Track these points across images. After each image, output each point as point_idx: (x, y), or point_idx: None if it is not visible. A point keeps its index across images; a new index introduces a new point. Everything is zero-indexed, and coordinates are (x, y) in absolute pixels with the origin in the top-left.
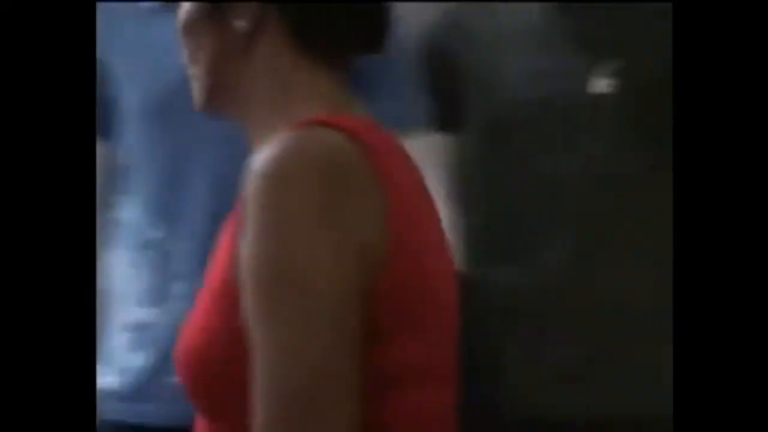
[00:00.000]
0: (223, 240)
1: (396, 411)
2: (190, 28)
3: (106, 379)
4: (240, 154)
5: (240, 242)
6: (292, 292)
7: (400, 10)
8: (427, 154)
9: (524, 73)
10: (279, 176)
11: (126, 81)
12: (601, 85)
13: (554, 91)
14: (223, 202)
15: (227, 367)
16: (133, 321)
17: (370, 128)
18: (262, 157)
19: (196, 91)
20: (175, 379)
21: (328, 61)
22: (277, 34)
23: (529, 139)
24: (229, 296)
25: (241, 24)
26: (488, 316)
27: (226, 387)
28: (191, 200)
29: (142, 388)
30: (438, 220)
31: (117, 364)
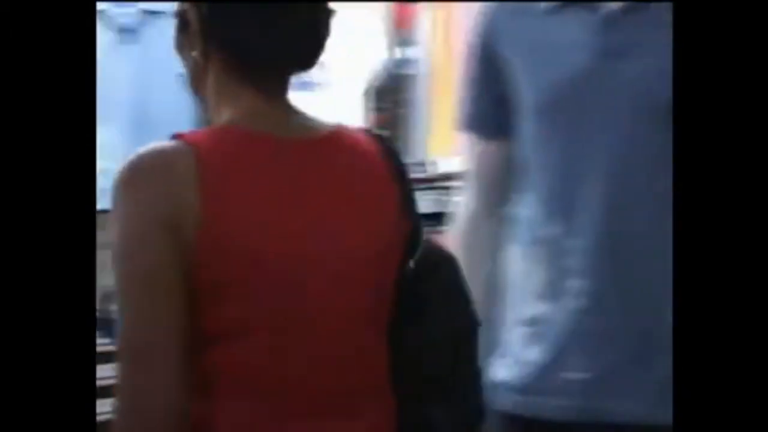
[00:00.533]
0: None
1: (220, 363)
2: (176, 48)
3: (502, 371)
4: (639, 149)
5: None
6: (117, 264)
7: None
8: None
9: None
10: (118, 177)
11: (524, 79)
12: None
13: None
14: (618, 197)
15: None
16: (528, 316)
17: (221, 138)
18: None
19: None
20: (571, 375)
21: (256, 80)
22: (217, 60)
23: None
24: None
25: (195, 53)
26: None
27: None
28: (587, 196)
29: (537, 382)
30: (308, 206)
31: (513, 357)
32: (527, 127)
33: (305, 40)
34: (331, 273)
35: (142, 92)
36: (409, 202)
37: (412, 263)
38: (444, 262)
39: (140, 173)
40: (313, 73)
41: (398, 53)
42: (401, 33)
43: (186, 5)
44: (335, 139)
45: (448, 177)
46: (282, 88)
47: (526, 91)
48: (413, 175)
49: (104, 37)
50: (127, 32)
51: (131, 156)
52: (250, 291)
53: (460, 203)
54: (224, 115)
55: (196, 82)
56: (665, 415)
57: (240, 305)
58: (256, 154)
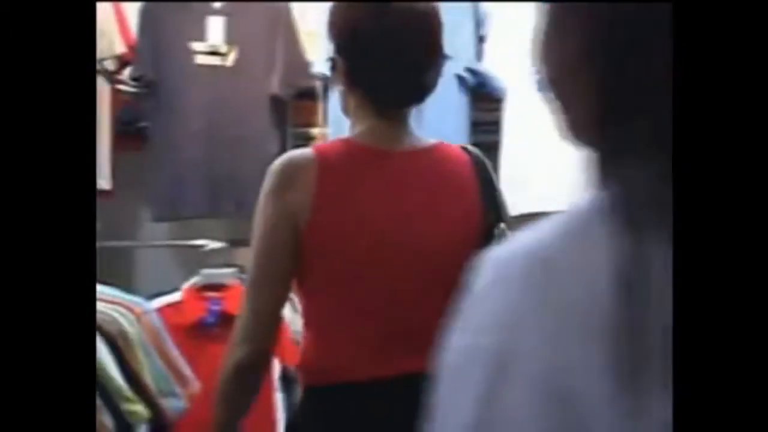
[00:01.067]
0: None
1: (317, 306)
2: (331, 80)
3: None
4: None
5: None
6: (254, 231)
7: None
8: None
9: None
10: (267, 172)
11: None
12: None
13: None
14: None
15: None
16: None
17: (339, 149)
18: None
19: None
20: None
21: (380, 110)
22: (354, 93)
23: None
24: None
25: (341, 87)
26: None
27: None
28: None
29: None
30: (399, 199)
31: None
32: None
33: (419, 83)
34: (412, 250)
35: None
36: (490, 202)
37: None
38: None
39: (277, 175)
40: None
41: None
42: None
43: (335, 54)
44: (433, 151)
45: None
46: (402, 114)
47: None
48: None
49: None
50: None
51: (281, 157)
52: (340, 260)
53: None
54: (355, 132)
55: (344, 106)
56: None
57: (334, 270)
58: (363, 161)
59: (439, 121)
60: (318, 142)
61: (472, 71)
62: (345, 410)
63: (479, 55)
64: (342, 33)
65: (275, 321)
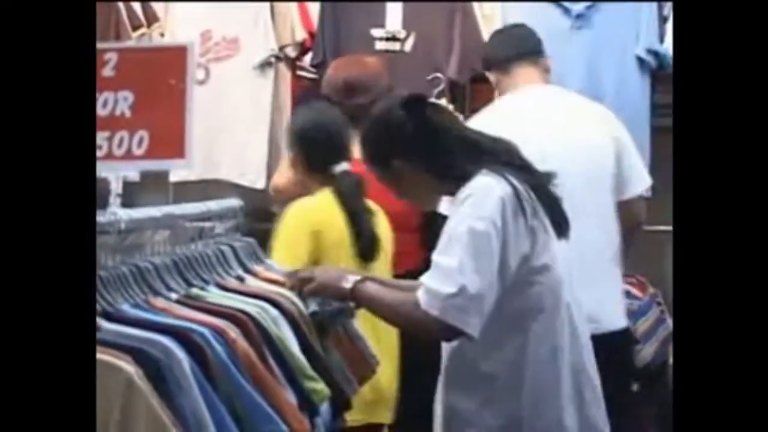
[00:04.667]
0: None
1: None
2: None
3: None
4: None
5: None
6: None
7: None
8: None
9: None
10: None
11: None
12: None
13: None
14: None
15: None
16: None
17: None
18: None
19: None
20: None
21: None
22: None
23: None
24: None
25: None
26: None
27: None
28: None
29: None
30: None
31: None
32: None
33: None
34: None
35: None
36: None
37: None
38: None
39: None
40: None
41: None
42: None
43: None
44: None
45: None
46: None
47: None
48: None
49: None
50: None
51: None
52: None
53: None
54: None
55: None
56: None
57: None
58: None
59: (619, 103)
60: None
61: (654, 53)
62: None
63: (662, 35)
64: None
65: None
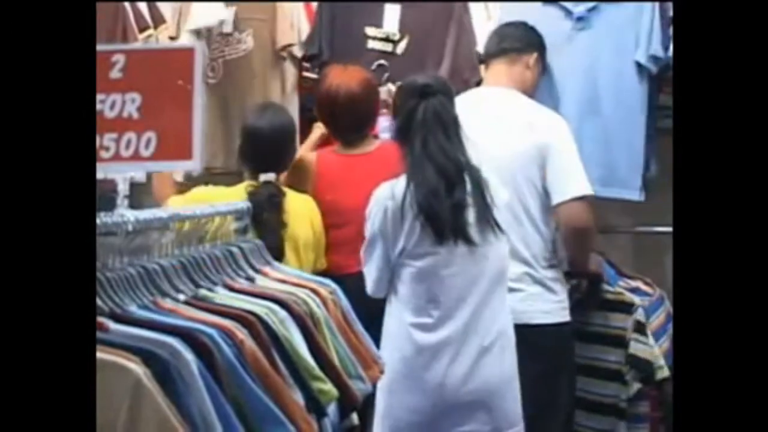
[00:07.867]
0: None
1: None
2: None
3: None
4: None
5: None
6: None
7: None
8: None
9: None
10: None
11: None
12: None
13: None
14: None
15: None
16: None
17: (328, 153)
18: None
19: None
20: None
21: (343, 138)
22: (329, 129)
23: None
24: None
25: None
26: None
27: None
28: None
29: None
30: (358, 181)
31: None
32: None
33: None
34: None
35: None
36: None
37: None
38: None
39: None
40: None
41: None
42: None
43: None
44: (378, 149)
45: None
46: (359, 137)
47: None
48: None
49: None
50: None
51: None
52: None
53: None
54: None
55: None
56: None
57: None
58: (338, 161)
59: (615, 104)
60: None
61: (655, 58)
62: None
63: (666, 39)
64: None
65: None
